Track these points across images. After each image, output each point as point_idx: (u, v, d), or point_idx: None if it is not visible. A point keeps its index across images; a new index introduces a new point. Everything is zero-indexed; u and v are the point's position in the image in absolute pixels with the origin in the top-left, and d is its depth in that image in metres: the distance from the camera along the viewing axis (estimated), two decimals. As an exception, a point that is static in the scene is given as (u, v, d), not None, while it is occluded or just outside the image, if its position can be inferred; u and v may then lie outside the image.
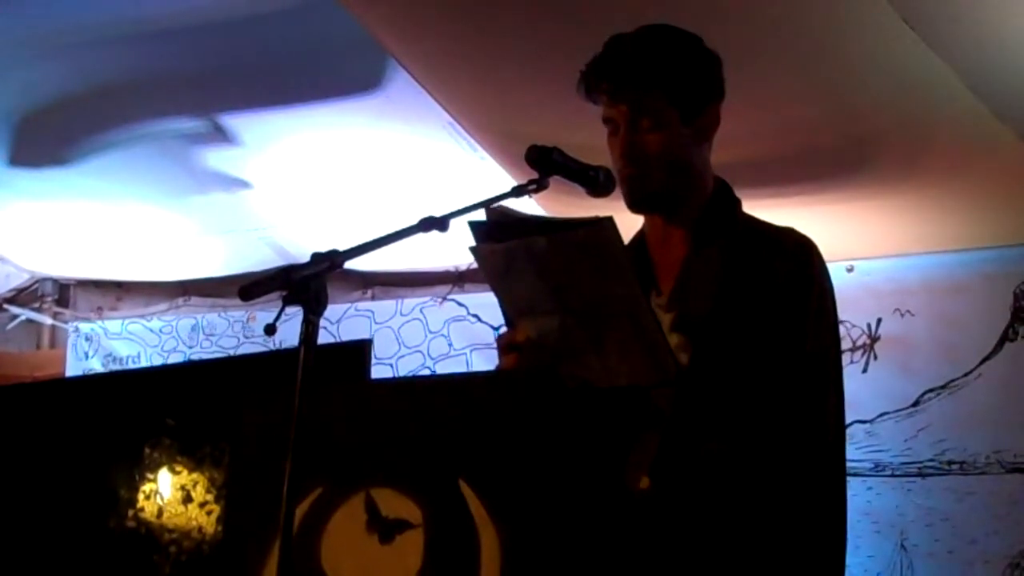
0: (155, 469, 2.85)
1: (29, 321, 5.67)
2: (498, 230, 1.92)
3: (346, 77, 3.63)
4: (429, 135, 3.80)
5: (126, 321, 5.45)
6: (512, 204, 1.96)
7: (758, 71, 2.89)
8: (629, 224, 2.09)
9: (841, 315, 2.07)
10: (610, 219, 1.82)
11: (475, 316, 4.70)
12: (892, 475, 3.91)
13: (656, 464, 1.95)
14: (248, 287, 1.60)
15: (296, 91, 3.73)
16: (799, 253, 2.03)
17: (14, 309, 5.65)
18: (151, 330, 5.39)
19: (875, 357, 3.99)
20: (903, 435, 3.91)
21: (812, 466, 1.93)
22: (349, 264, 1.75)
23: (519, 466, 1.78)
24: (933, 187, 3.49)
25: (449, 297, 4.79)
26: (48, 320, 5.66)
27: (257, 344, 5.05)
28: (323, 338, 1.67)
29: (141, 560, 2.79)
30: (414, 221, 1.83)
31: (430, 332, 4.79)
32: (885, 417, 3.94)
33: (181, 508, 2.79)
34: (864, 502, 3.87)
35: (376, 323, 4.88)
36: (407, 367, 4.77)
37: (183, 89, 3.77)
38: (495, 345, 2.01)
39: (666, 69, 1.99)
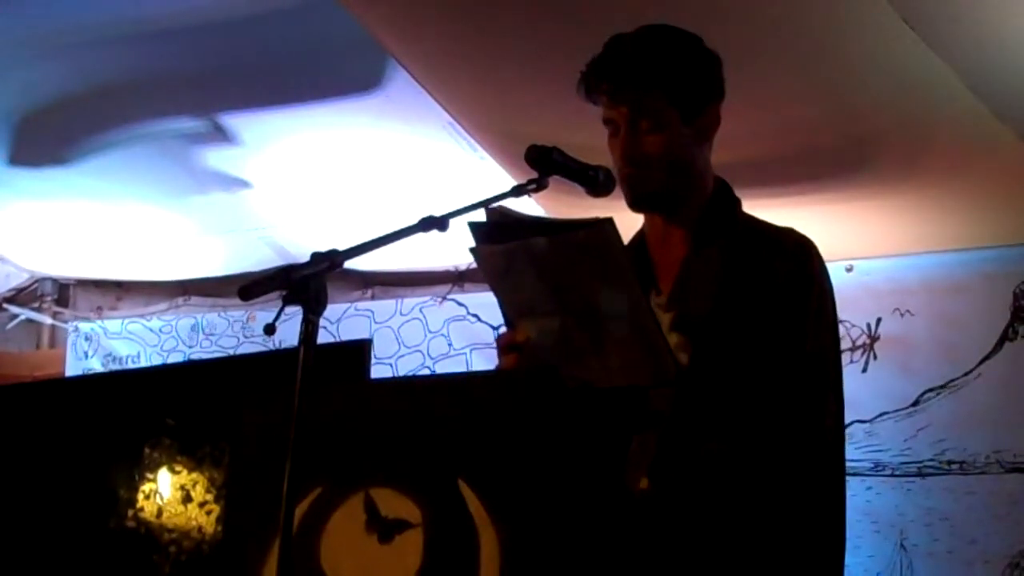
0: (155, 469, 2.85)
1: (29, 321, 5.67)
2: (498, 231, 1.92)
3: (346, 77, 3.63)
4: (429, 135, 3.80)
5: (126, 321, 5.45)
6: (512, 204, 1.96)
7: (758, 71, 2.89)
8: (629, 224, 2.09)
9: (841, 315, 2.07)
10: (610, 220, 1.82)
11: (475, 316, 4.70)
12: (892, 475, 3.91)
13: (655, 464, 1.95)
14: (248, 287, 1.60)
15: (296, 91, 3.73)
16: (799, 253, 2.04)
17: (14, 309, 5.65)
18: (151, 330, 5.39)
19: (875, 357, 3.99)
20: (903, 435, 3.91)
21: (811, 466, 1.93)
22: (349, 264, 1.75)
23: (519, 466, 1.78)
24: (933, 187, 3.49)
25: (449, 297, 4.79)
26: (48, 320, 5.66)
27: (257, 344, 5.05)
28: (323, 338, 1.67)
29: (141, 560, 2.79)
30: (414, 221, 1.83)
31: (430, 332, 4.79)
32: (885, 417, 3.94)
33: (181, 508, 2.79)
34: (864, 502, 3.87)
35: (376, 323, 4.88)
36: (407, 367, 4.77)
37: (183, 89, 3.77)
38: (495, 345, 2.01)
39: (666, 69, 1.99)
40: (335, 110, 3.76)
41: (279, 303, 1.62)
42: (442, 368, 4.70)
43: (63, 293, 5.69)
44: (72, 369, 5.41)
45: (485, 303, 4.35)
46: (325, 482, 1.90)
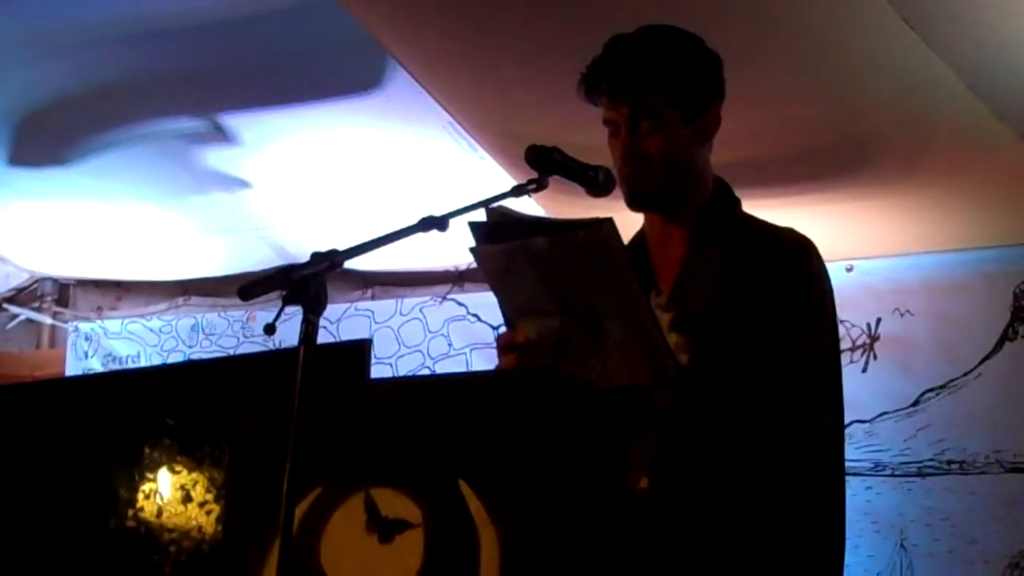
0: (155, 469, 2.85)
1: (29, 321, 5.67)
2: (498, 231, 1.92)
3: (346, 77, 3.63)
4: (429, 135, 3.80)
5: (126, 321, 5.45)
6: (512, 204, 1.96)
7: (758, 71, 2.89)
8: (629, 224, 2.09)
9: (841, 315, 2.07)
10: (610, 220, 1.82)
11: (475, 316, 4.70)
12: (892, 475, 3.91)
13: (655, 464, 1.95)
14: (248, 287, 1.60)
15: (296, 91, 3.73)
16: (798, 253, 2.04)
17: (14, 309, 5.65)
18: (151, 330, 5.39)
19: (875, 357, 3.99)
20: (903, 435, 3.91)
21: (811, 466, 1.93)
22: (349, 264, 1.75)
23: (519, 466, 1.78)
24: (933, 187, 3.49)
25: (449, 297, 4.79)
26: (48, 320, 5.66)
27: (257, 344, 5.05)
28: (323, 338, 1.67)
29: (141, 560, 2.79)
30: (414, 221, 1.83)
31: (430, 332, 4.79)
32: (885, 417, 3.94)
33: (181, 508, 2.79)
34: (864, 502, 3.87)
35: (376, 323, 4.88)
36: (407, 367, 4.77)
37: (183, 89, 3.77)
38: (495, 345, 2.01)
39: (666, 70, 1.99)
40: (335, 110, 3.76)
41: (279, 303, 1.62)
42: (442, 368, 4.70)
43: (63, 293, 5.69)
44: (72, 369, 5.41)
45: (485, 303, 4.35)
46: (325, 482, 1.90)
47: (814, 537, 1.92)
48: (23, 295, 5.68)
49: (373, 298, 4.98)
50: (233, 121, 3.94)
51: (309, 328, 1.63)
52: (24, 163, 4.31)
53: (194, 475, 2.80)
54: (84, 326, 5.51)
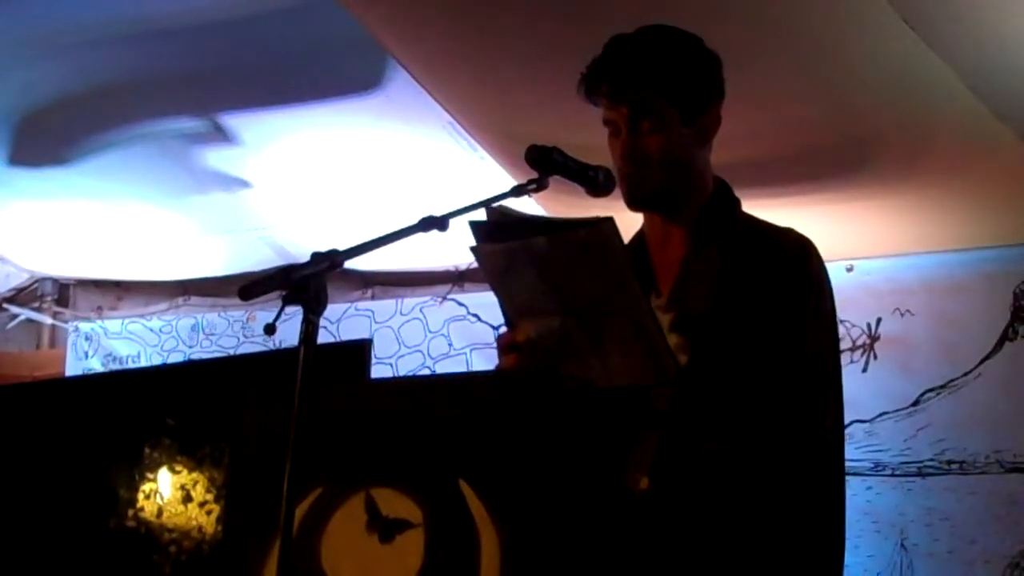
0: (155, 469, 2.85)
1: (29, 321, 5.67)
2: (498, 230, 1.92)
3: (346, 77, 3.63)
4: (429, 135, 3.80)
5: (126, 321, 5.45)
6: (512, 204, 1.96)
7: (758, 71, 2.89)
8: (629, 224, 2.09)
9: (841, 315, 2.07)
10: (610, 220, 1.82)
11: (475, 316, 4.70)
12: (892, 475, 3.91)
13: (655, 464, 1.95)
14: (248, 287, 1.60)
15: (296, 91, 3.73)
16: (798, 253, 2.04)
17: (14, 309, 5.65)
18: (151, 330, 5.40)
19: (875, 357, 3.99)
20: (903, 435, 3.91)
21: (811, 466, 1.93)
22: (349, 264, 1.75)
23: (519, 466, 1.78)
24: (933, 187, 3.49)
25: (449, 297, 4.79)
26: (48, 320, 5.66)
27: (257, 344, 5.05)
28: (323, 338, 1.67)
29: (141, 560, 2.79)
30: (414, 221, 1.83)
31: (430, 332, 4.79)
32: (885, 417, 3.94)
33: (181, 508, 2.79)
34: (864, 502, 3.87)
35: (376, 323, 4.88)
36: (407, 367, 4.77)
37: (183, 89, 3.77)
38: (495, 345, 2.01)
39: (666, 70, 1.99)
40: (335, 110, 3.76)
41: (279, 303, 1.62)
42: (442, 368, 4.70)
43: (63, 293, 5.69)
44: (72, 369, 5.41)
45: (485, 303, 4.35)
46: (325, 482, 1.90)
47: (814, 537, 1.92)
48: (23, 295, 5.68)
49: (373, 298, 4.98)
50: (233, 121, 3.94)
51: (309, 328, 1.63)
52: (24, 163, 4.31)
53: (194, 475, 2.80)
54: (84, 326, 5.51)
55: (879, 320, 4.00)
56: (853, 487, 3.79)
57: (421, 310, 4.83)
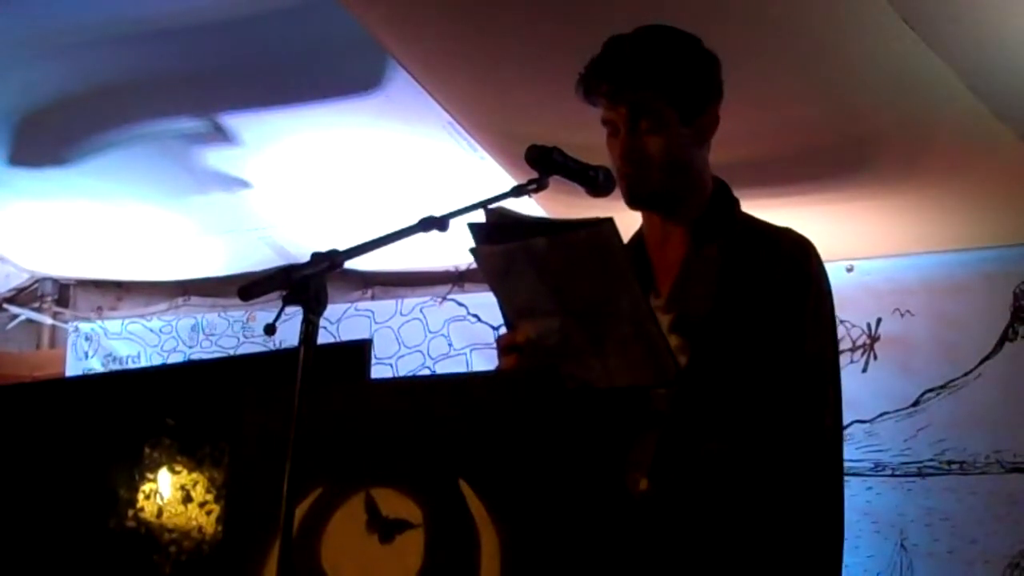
0: (155, 469, 2.85)
1: (29, 321, 5.67)
2: (498, 231, 1.92)
3: (346, 77, 3.63)
4: (429, 135, 3.80)
5: (126, 321, 5.45)
6: (512, 204, 1.96)
7: (758, 71, 2.89)
8: (629, 224, 2.09)
9: (841, 315, 2.07)
10: (610, 220, 1.82)
11: (475, 316, 4.70)
12: (892, 475, 3.91)
13: (655, 464, 1.95)
14: (248, 287, 1.60)
15: (296, 91, 3.73)
16: (797, 253, 2.04)
17: (14, 309, 5.65)
18: (151, 330, 5.39)
19: (875, 357, 3.99)
20: (903, 435, 3.91)
21: (810, 466, 1.93)
22: (349, 264, 1.75)
23: (519, 466, 1.78)
24: (933, 187, 3.49)
25: (449, 297, 4.79)
26: (48, 320, 5.66)
27: (257, 344, 5.05)
28: (323, 338, 1.67)
29: (141, 560, 2.79)
30: (414, 221, 1.83)
31: (430, 332, 4.79)
32: (885, 417, 3.94)
33: (181, 508, 2.79)
34: (864, 502, 3.87)
35: (376, 323, 4.88)
36: (407, 367, 4.77)
37: (183, 89, 3.77)
38: (495, 345, 2.01)
39: (665, 70, 1.99)
40: (335, 110, 3.76)
41: (279, 303, 1.62)
42: (442, 368, 4.70)
43: (63, 293, 5.69)
44: (72, 369, 5.41)
45: (485, 303, 4.35)
46: (325, 482, 1.90)
47: (813, 537, 1.92)
48: (23, 295, 5.68)
49: (373, 298, 4.98)
50: (233, 121, 3.94)
51: (309, 328, 1.63)
52: (24, 163, 4.31)
53: (194, 475, 2.80)
54: (84, 326, 5.51)
55: (879, 320, 4.00)
56: (853, 487, 3.79)
57: (421, 310, 4.83)
